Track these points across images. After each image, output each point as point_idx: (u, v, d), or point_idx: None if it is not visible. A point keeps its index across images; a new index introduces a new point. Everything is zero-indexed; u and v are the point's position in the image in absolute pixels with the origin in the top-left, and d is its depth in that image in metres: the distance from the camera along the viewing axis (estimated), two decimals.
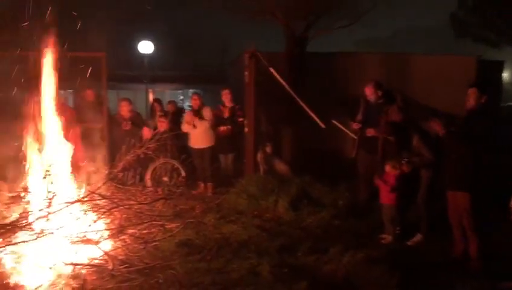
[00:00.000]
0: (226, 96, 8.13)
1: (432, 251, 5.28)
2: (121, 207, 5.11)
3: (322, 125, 7.35)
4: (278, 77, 7.43)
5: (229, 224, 5.87)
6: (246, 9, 8.84)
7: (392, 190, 5.54)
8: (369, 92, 6.57)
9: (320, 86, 9.24)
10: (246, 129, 7.80)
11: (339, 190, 7.00)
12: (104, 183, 5.53)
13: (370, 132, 6.43)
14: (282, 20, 8.60)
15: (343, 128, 7.43)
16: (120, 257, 4.64)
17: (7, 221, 4.61)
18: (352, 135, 7.16)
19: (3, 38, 6.84)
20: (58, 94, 5.65)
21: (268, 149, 8.16)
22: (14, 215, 4.77)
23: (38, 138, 5.26)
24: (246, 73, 7.68)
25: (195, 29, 25.31)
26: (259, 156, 8.04)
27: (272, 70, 7.44)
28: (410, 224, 5.75)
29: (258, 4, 8.55)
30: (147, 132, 7.76)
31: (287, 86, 7.48)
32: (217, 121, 7.94)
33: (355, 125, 6.70)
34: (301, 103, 7.41)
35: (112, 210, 5.01)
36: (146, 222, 5.12)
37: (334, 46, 11.81)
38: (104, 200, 5.09)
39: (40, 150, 5.13)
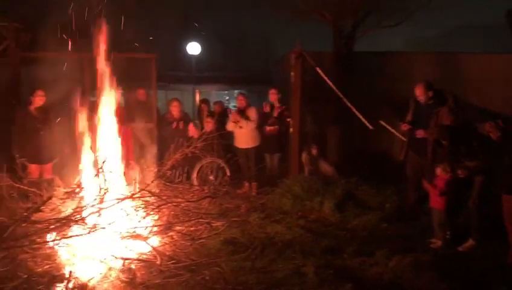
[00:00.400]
0: (273, 96, 8.15)
1: (484, 257, 5.06)
2: (169, 204, 5.23)
3: (370, 126, 7.23)
4: (324, 76, 7.37)
5: (273, 224, 5.90)
6: (292, 8, 8.84)
7: (441, 194, 5.37)
8: (419, 93, 6.37)
9: (368, 86, 9.07)
10: (292, 129, 7.79)
11: (386, 193, 6.89)
12: (153, 181, 5.68)
13: (420, 134, 6.25)
14: (329, 19, 8.54)
15: (391, 130, 7.26)
16: (167, 253, 4.76)
17: (62, 215, 4.82)
18: (401, 137, 6.98)
19: (60, 40, 7.18)
20: (111, 94, 5.87)
21: (313, 150, 8.11)
22: (68, 210, 5.00)
23: (93, 136, 5.48)
24: (292, 73, 7.67)
25: (241, 30, 25.49)
26: (304, 156, 8.01)
27: (318, 70, 7.39)
28: (461, 229, 5.54)
29: (305, 3, 8.51)
30: (192, 130, 7.90)
31: (333, 86, 7.41)
32: (262, 119, 7.98)
33: (404, 127, 6.52)
34: (348, 103, 7.31)
35: (161, 207, 5.14)
36: (193, 219, 5.21)
37: (382, 46, 11.57)
38: (153, 197, 5.24)
39: (93, 148, 5.34)
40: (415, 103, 6.55)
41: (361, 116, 7.22)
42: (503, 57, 9.92)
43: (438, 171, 5.44)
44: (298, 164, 7.80)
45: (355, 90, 8.08)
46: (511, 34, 15.97)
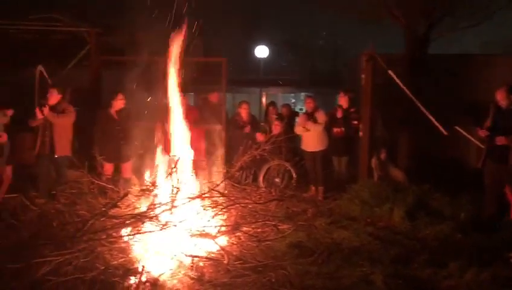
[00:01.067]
0: (342, 99, 8.03)
1: None
2: (237, 205, 5.32)
3: (444, 132, 6.91)
4: (397, 79, 7.15)
5: (340, 229, 5.82)
6: (364, 10, 8.67)
7: None
8: (501, 97, 6.01)
9: (443, 90, 8.70)
10: (361, 133, 7.64)
11: (461, 202, 6.57)
12: (222, 182, 5.81)
13: (500, 140, 5.88)
14: (402, 21, 8.28)
15: (468, 136, 6.90)
16: (235, 253, 4.83)
17: (137, 211, 5.05)
18: (478, 143, 6.61)
19: (136, 44, 7.55)
20: (184, 96, 6.07)
21: (382, 155, 7.89)
22: (143, 207, 5.23)
23: (167, 137, 5.71)
24: (363, 76, 7.51)
25: (309, 32, 25.41)
26: (373, 161, 7.82)
27: (390, 72, 7.18)
28: None
29: (378, 5, 8.31)
30: (260, 137, 7.95)
31: (406, 90, 7.17)
32: (330, 122, 7.89)
33: (483, 133, 6.16)
34: (422, 108, 7.04)
35: (229, 207, 5.24)
36: (260, 221, 5.26)
37: (458, 48, 11.05)
38: (222, 198, 5.35)
39: (167, 149, 5.56)
40: (496, 107, 6.18)
41: (435, 121, 6.93)
42: None
43: None
44: (367, 169, 7.62)
45: (429, 94, 7.78)
46: None
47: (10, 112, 6.60)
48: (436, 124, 6.93)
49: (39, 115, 6.63)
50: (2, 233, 5.31)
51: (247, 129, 8.21)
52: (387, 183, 7.15)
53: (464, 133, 6.94)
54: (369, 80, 7.42)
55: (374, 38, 9.24)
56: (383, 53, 7.63)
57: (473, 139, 6.81)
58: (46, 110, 6.63)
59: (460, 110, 8.22)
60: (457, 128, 7.02)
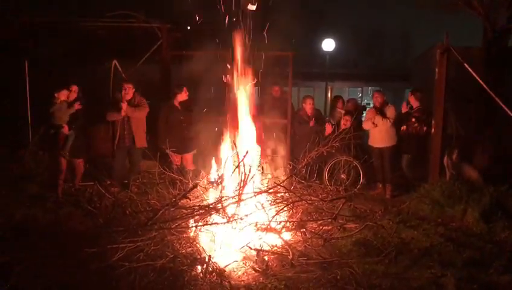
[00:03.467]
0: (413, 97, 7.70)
1: None
2: (303, 201, 5.29)
3: None
4: (473, 74, 6.76)
5: (409, 229, 5.64)
6: (439, 1, 8.27)
7: None
8: None
9: None
10: (433, 130, 7.30)
11: None
12: (289, 177, 5.81)
13: None
14: (480, 11, 7.80)
15: None
16: (299, 249, 4.83)
17: (205, 203, 5.18)
18: None
19: (202, 39, 7.70)
20: (249, 90, 6.12)
21: (455, 153, 7.50)
22: (211, 199, 5.35)
23: (233, 131, 5.79)
24: (437, 69, 7.17)
25: (377, 25, 24.69)
26: (446, 160, 7.46)
27: (466, 66, 6.80)
28: None
29: None
30: (329, 128, 7.87)
31: (484, 85, 6.76)
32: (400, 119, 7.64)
33: None
34: (500, 103, 6.61)
35: (295, 203, 5.22)
36: (326, 219, 5.20)
37: None
38: (288, 193, 5.35)
39: (234, 143, 5.64)
40: None
41: None
42: None
43: None
44: (439, 168, 7.28)
45: (509, 89, 7.30)
46: None
47: (77, 105, 6.95)
48: None
49: (122, 113, 7.01)
50: (80, 219, 5.68)
51: (312, 123, 8.13)
52: (460, 183, 6.79)
53: None
54: (443, 73, 7.05)
55: (452, 29, 8.81)
56: (458, 46, 7.24)
57: None
58: (125, 106, 7.02)
59: None
60: None
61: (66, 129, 6.88)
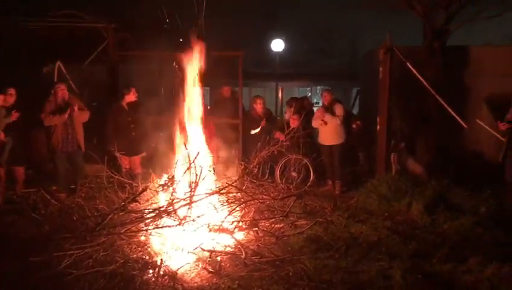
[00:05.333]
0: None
1: None
2: (255, 200, 5.33)
3: (464, 125, 6.81)
4: (415, 72, 7.05)
5: (358, 224, 5.78)
6: (381, 2, 8.55)
7: None
8: None
9: (463, 82, 8.57)
10: (378, 127, 7.56)
11: (482, 196, 6.48)
12: (240, 177, 5.82)
13: None
14: (420, 12, 8.13)
15: (489, 129, 6.78)
16: (252, 248, 4.85)
17: (156, 206, 5.10)
18: (500, 137, 6.49)
19: (151, 40, 7.59)
20: (198, 91, 6.09)
21: (401, 149, 7.81)
22: (161, 202, 5.28)
23: (183, 132, 5.73)
24: (380, 68, 7.42)
25: (326, 26, 25.22)
26: (392, 155, 7.74)
27: (409, 65, 7.08)
28: None
29: None
30: (279, 135, 7.89)
31: (425, 82, 7.07)
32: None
33: (503, 126, 6.05)
34: (441, 100, 6.94)
35: (247, 203, 5.25)
36: (278, 217, 5.26)
37: (478, 40, 10.84)
38: (239, 193, 5.36)
39: (184, 144, 5.58)
40: None
41: (455, 114, 6.82)
42: None
43: None
44: (385, 163, 7.55)
45: (449, 87, 7.67)
46: None
47: (15, 116, 6.54)
48: (457, 117, 6.83)
49: (65, 116, 6.72)
50: (24, 227, 5.44)
51: (262, 123, 8.20)
52: (405, 178, 7.07)
53: (485, 126, 6.83)
54: (386, 72, 7.32)
55: (392, 31, 9.13)
56: (401, 45, 7.53)
57: (494, 132, 6.69)
58: (76, 108, 6.74)
59: (481, 103, 8.09)
60: (478, 121, 6.91)
61: (2, 136, 6.52)
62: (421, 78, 7.09)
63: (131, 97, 7.26)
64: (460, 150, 8.22)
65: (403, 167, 7.73)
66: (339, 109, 7.76)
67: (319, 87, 22.60)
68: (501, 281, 4.18)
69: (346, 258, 4.72)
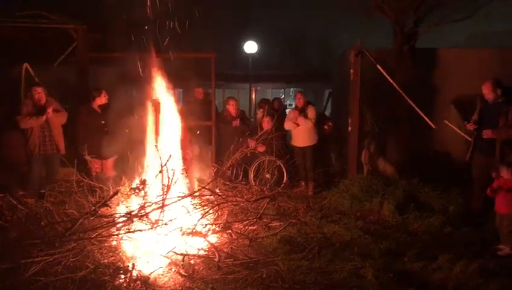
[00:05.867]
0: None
1: None
2: (229, 203, 5.31)
3: (433, 126, 6.97)
4: (385, 74, 7.18)
5: (330, 224, 5.86)
6: (352, 5, 8.66)
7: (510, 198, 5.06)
8: (487, 91, 6.05)
9: (432, 83, 8.77)
10: (350, 128, 7.66)
11: (450, 195, 6.66)
12: (213, 180, 5.79)
13: (487, 134, 5.94)
14: (390, 15, 8.28)
15: (456, 129, 6.95)
16: (226, 250, 4.83)
17: (127, 210, 5.02)
18: (467, 137, 6.67)
19: (117, 41, 7.48)
20: (171, 93, 6.03)
21: (372, 149, 7.94)
22: (133, 206, 5.19)
23: (155, 135, 5.66)
24: (352, 70, 7.53)
25: (299, 28, 25.40)
26: (363, 156, 7.86)
27: (379, 67, 7.20)
28: None
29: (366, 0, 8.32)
30: (251, 143, 7.87)
31: (394, 84, 7.20)
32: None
33: (470, 126, 6.21)
34: (410, 102, 7.09)
35: (220, 205, 5.22)
36: (251, 219, 5.26)
37: (445, 42, 11.10)
38: (213, 196, 5.33)
39: (156, 146, 5.52)
40: (482, 101, 6.23)
41: (423, 115, 6.98)
42: None
43: (505, 173, 5.15)
44: (356, 164, 7.65)
45: (418, 88, 7.83)
46: None
47: None
48: (425, 118, 6.98)
49: (44, 118, 6.59)
50: None
51: (237, 122, 8.20)
52: (377, 178, 7.19)
53: (453, 126, 7.00)
54: (357, 74, 7.43)
55: (367, 32, 9.27)
56: (372, 48, 7.65)
57: (461, 132, 6.87)
58: (51, 110, 6.62)
59: (449, 104, 8.29)
60: (446, 122, 7.08)
61: None
62: (391, 80, 7.22)
63: (102, 100, 7.19)
64: (430, 150, 8.40)
65: (374, 167, 7.86)
66: (311, 111, 7.83)
67: (292, 88, 22.72)
68: (469, 277, 4.30)
69: (319, 258, 4.76)
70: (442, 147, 8.34)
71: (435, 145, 8.43)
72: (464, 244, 5.26)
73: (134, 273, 4.24)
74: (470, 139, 6.48)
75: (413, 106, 7.03)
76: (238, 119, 8.25)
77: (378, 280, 4.22)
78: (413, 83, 7.86)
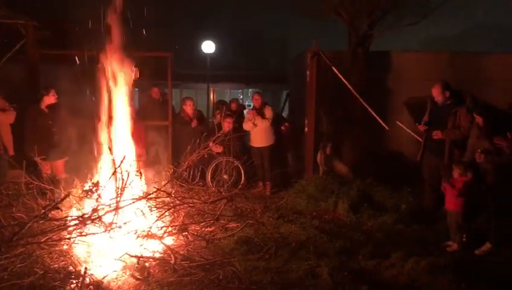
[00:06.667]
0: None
1: (502, 261, 4.97)
2: (185, 205, 5.25)
3: (386, 127, 7.17)
4: (340, 76, 7.32)
5: (287, 224, 5.90)
6: (309, 8, 8.76)
7: (459, 195, 5.28)
8: (436, 93, 6.29)
9: (385, 86, 9.00)
10: (306, 129, 7.76)
11: (402, 194, 6.86)
12: (168, 182, 5.70)
13: (436, 135, 6.18)
14: (345, 19, 8.45)
15: (408, 130, 7.19)
16: (182, 252, 4.78)
17: (79, 213, 4.87)
18: (418, 137, 6.91)
19: (69, 39, 7.25)
20: (125, 92, 5.89)
21: (328, 150, 8.07)
22: (85, 209, 5.04)
23: (108, 136, 5.52)
24: (308, 72, 7.62)
25: (257, 29, 25.49)
26: (319, 156, 7.97)
27: (334, 69, 7.33)
28: (479, 232, 5.44)
29: (322, 3, 8.43)
30: (216, 148, 7.79)
31: (349, 86, 7.36)
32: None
33: (421, 127, 6.44)
34: (364, 103, 7.26)
35: (176, 208, 5.15)
36: (208, 220, 5.22)
37: (398, 45, 11.42)
38: (169, 198, 5.25)
39: (109, 148, 5.38)
40: (432, 103, 6.47)
41: (377, 117, 7.16)
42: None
43: (456, 172, 5.36)
44: (313, 164, 7.76)
45: (372, 90, 8.02)
46: None
47: None
48: (379, 119, 7.17)
49: None
50: None
51: (194, 123, 8.13)
52: (332, 178, 7.31)
53: (404, 127, 7.23)
54: (313, 76, 7.54)
55: (325, 34, 9.40)
56: (328, 50, 7.77)
57: (412, 133, 7.10)
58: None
59: (401, 105, 8.55)
60: (398, 123, 7.30)
61: None
62: (346, 82, 7.37)
63: (50, 99, 6.92)
64: (383, 150, 8.63)
65: (330, 167, 7.99)
66: (268, 111, 7.88)
67: (250, 89, 22.79)
68: (419, 273, 4.44)
69: (276, 258, 4.79)
70: (395, 148, 8.58)
71: (388, 145, 8.66)
72: (415, 242, 5.43)
73: (87, 277, 4.11)
74: (420, 139, 6.72)
75: (367, 107, 7.20)
76: (196, 120, 8.18)
77: (333, 279, 4.28)
78: (367, 85, 8.04)
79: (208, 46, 17.32)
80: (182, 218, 5.30)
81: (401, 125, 7.23)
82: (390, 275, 4.50)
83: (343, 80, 7.34)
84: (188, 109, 8.29)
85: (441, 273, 4.42)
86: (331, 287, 4.17)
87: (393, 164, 8.08)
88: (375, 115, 7.14)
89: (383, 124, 7.16)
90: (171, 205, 5.14)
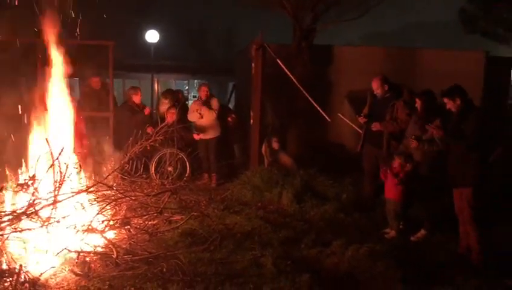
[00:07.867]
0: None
1: (436, 247, 5.24)
2: (127, 198, 5.13)
3: (328, 119, 7.35)
4: (285, 68, 7.41)
5: (232, 215, 5.92)
6: (254, 1, 8.78)
7: (399, 184, 5.50)
8: (376, 86, 6.52)
9: (327, 79, 9.21)
10: (252, 121, 7.80)
11: (343, 184, 7.06)
12: (110, 174, 5.56)
13: (375, 126, 6.41)
14: (290, 12, 8.54)
15: (349, 122, 7.42)
16: (124, 246, 4.68)
17: (15, 208, 4.64)
18: (358, 129, 7.14)
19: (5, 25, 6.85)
20: (64, 82, 5.66)
21: (274, 142, 8.16)
22: (21, 203, 4.80)
23: (45, 126, 5.29)
24: (253, 64, 7.65)
25: (203, 19, 25.23)
26: (264, 148, 8.05)
27: (279, 61, 7.41)
28: (415, 219, 5.72)
29: None
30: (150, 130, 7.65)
31: (293, 78, 7.46)
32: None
33: (361, 119, 6.67)
34: (307, 96, 7.39)
35: (118, 201, 5.03)
36: (151, 213, 5.14)
37: (341, 40, 11.73)
38: (110, 191, 5.12)
39: (46, 139, 5.15)
40: (372, 96, 6.70)
41: (319, 109, 7.32)
42: (454, 53, 10.28)
43: (396, 163, 5.58)
44: (258, 156, 7.83)
45: (315, 83, 8.18)
46: (464, 30, 16.61)
47: None
48: (321, 111, 7.33)
49: None
50: None
51: (147, 111, 8.10)
52: (277, 169, 7.41)
53: (345, 119, 7.45)
54: (258, 68, 7.57)
55: (272, 28, 9.44)
56: (273, 43, 7.83)
57: (353, 125, 7.33)
58: None
59: (342, 98, 8.79)
60: (339, 115, 7.51)
61: None
62: (290, 75, 7.46)
63: None
64: (326, 142, 8.84)
65: (274, 159, 8.09)
66: (214, 103, 7.85)
67: (196, 80, 22.57)
68: (359, 260, 4.59)
69: (220, 249, 4.79)
70: (336, 139, 8.82)
71: (330, 137, 8.89)
72: (355, 230, 5.63)
73: (22, 275, 3.93)
74: (360, 131, 6.95)
75: (310, 99, 7.34)
76: (148, 108, 8.07)
77: (276, 268, 4.34)
78: (310, 78, 8.18)
79: (152, 36, 16.95)
80: (124, 211, 5.18)
81: (343, 117, 7.45)
82: (331, 262, 4.61)
83: (288, 73, 7.44)
84: (136, 98, 8.12)
85: (379, 259, 4.59)
86: (275, 277, 4.22)
87: (335, 154, 8.31)
88: (318, 107, 7.30)
89: (325, 116, 7.33)
90: (113, 198, 5.01)
